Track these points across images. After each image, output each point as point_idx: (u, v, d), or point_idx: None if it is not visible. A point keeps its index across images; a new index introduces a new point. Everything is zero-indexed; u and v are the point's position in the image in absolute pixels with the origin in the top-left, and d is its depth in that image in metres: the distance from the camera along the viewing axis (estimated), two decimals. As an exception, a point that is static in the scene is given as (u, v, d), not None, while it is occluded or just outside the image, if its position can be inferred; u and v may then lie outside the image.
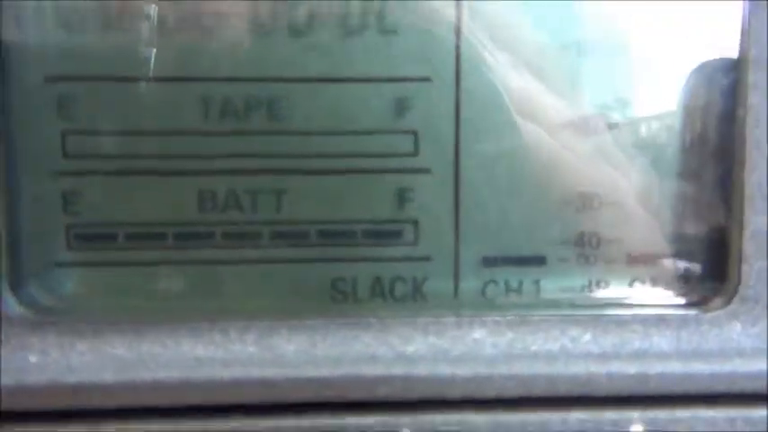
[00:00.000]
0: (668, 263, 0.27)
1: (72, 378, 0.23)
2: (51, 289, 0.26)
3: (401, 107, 0.26)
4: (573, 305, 0.26)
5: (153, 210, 0.25)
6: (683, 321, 0.25)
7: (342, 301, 0.26)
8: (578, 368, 0.24)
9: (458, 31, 0.25)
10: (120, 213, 0.25)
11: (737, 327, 0.25)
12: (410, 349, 0.24)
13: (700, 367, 0.24)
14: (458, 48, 0.25)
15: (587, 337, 0.25)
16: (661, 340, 0.25)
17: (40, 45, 0.24)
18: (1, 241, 0.24)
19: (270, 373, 0.23)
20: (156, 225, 0.26)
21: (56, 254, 0.25)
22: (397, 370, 0.24)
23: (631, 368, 0.24)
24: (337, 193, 0.26)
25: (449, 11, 0.25)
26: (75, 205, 0.25)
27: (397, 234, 0.26)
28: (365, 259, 0.26)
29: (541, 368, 0.24)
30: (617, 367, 0.24)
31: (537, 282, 0.27)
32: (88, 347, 0.24)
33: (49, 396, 0.22)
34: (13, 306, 0.24)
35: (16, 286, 0.25)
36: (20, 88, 0.24)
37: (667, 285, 0.27)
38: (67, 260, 0.26)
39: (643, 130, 0.26)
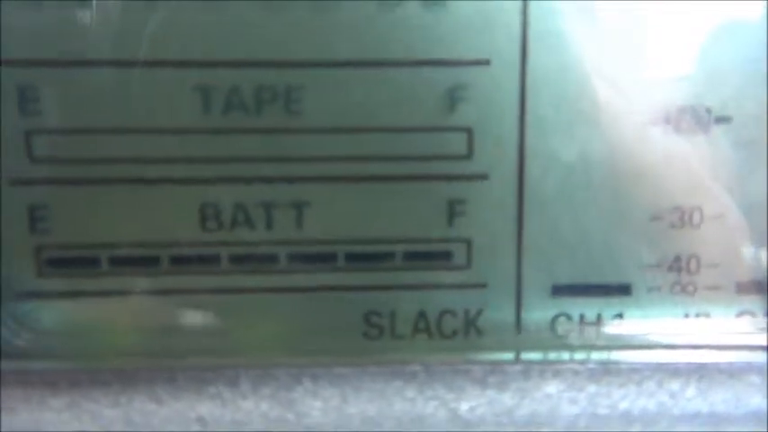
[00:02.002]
0: (786, 292, 0.22)
1: (43, 446, 0.18)
2: (18, 327, 0.21)
3: (452, 98, 0.21)
4: (666, 346, 0.21)
5: (143, 228, 0.22)
6: (811, 370, 0.20)
7: (377, 338, 0.22)
8: (684, 433, 0.19)
9: (524, 2, 0.21)
10: (102, 232, 0.22)
11: None
12: (466, 407, 0.20)
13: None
14: (524, 22, 0.21)
15: (691, 391, 0.20)
16: (786, 396, 0.20)
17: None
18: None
19: (291, 437, 0.19)
20: (147, 246, 0.22)
21: (22, 283, 0.22)
22: (451, 435, 0.19)
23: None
24: (371, 205, 0.22)
25: (513, -26, 0.21)
26: (46, 222, 0.21)
27: (445, 255, 0.22)
28: (406, 287, 0.22)
29: (634, 434, 0.19)
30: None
31: (620, 315, 0.23)
32: (64, 404, 0.20)
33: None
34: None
35: (-26, 324, 0.20)
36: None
37: (785, 321, 0.22)
38: (37, 290, 0.22)
39: (760, 128, 0.21)
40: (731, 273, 0.23)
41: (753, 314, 0.23)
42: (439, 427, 0.20)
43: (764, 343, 0.22)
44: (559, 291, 0.23)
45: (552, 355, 0.22)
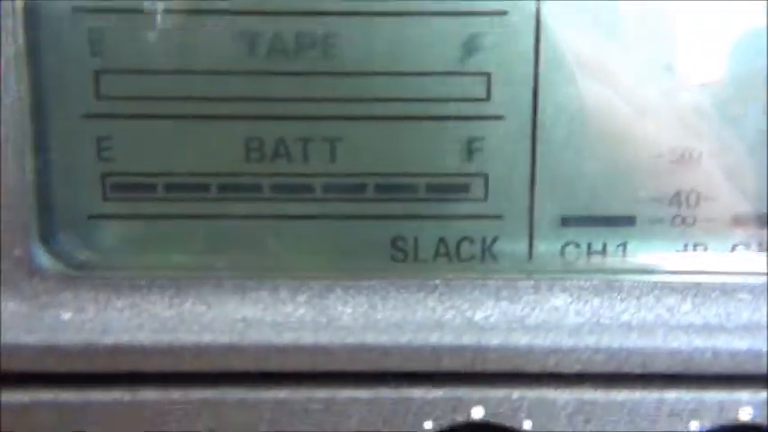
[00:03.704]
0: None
1: (108, 339, 0.21)
2: (86, 242, 0.24)
3: (472, 45, 0.23)
4: (666, 271, 0.23)
5: (194, 158, 0.24)
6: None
7: (402, 260, 0.24)
8: (680, 342, 0.21)
9: None
10: (158, 162, 0.24)
11: None
12: (480, 315, 0.22)
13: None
14: None
15: (687, 306, 0.21)
16: (774, 311, 0.21)
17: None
18: (30, 189, 0.21)
19: (324, 338, 0.21)
20: (198, 175, 0.24)
21: (90, 205, 0.24)
22: (467, 339, 0.21)
23: (742, 342, 0.20)
24: (398, 142, 0.24)
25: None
26: (110, 151, 0.23)
27: (464, 188, 0.24)
28: (428, 216, 0.24)
29: (635, 341, 0.21)
30: (724, 342, 0.21)
31: (624, 245, 0.24)
32: (126, 305, 0.22)
33: (83, 358, 0.21)
34: (44, 259, 0.22)
35: (47, 238, 0.23)
36: (47, 21, 0.22)
37: (776, 252, 0.24)
38: (103, 212, 0.24)
39: (756, 76, 0.23)
40: (728, 206, 0.24)
41: (747, 245, 0.24)
42: (456, 332, 0.22)
43: (756, 269, 0.23)
44: (568, 222, 0.24)
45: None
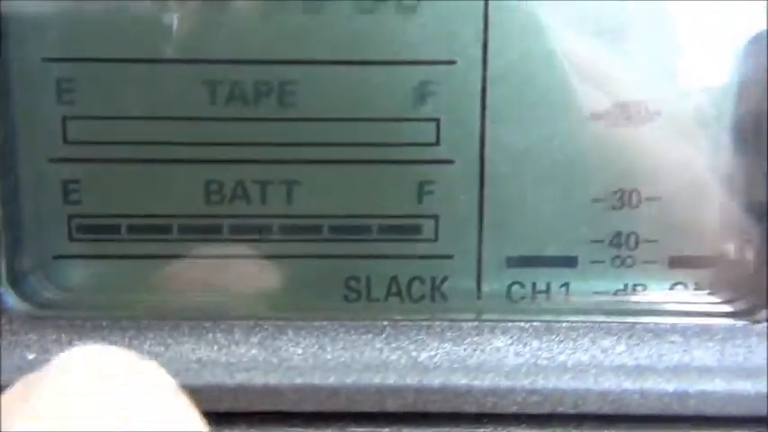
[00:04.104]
0: (714, 266, 0.25)
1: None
2: (52, 282, 0.25)
3: (422, 92, 0.24)
4: (606, 311, 0.24)
5: (157, 200, 0.25)
6: (728, 332, 0.23)
7: (355, 300, 0.25)
8: (610, 383, 0.22)
9: (485, 10, 0.24)
10: (122, 204, 0.25)
11: (790, 341, 0.22)
12: (425, 356, 0.23)
13: (746, 386, 0.22)
14: (485, 28, 0.24)
15: (621, 347, 0.23)
16: (703, 354, 0.23)
17: (38, 24, 0.23)
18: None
19: (274, 379, 0.22)
20: (160, 216, 0.25)
21: (57, 245, 0.25)
22: (410, 379, 0.22)
23: (669, 385, 0.22)
24: (352, 184, 0.25)
25: (475, -14, 0.23)
26: (76, 194, 0.24)
27: (415, 230, 0.25)
28: (381, 256, 0.25)
29: (568, 382, 0.22)
30: (653, 383, 0.22)
31: (567, 284, 0.25)
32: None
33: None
34: (13, 300, 0.23)
35: (16, 279, 0.24)
36: (18, 70, 0.23)
37: (712, 291, 0.25)
38: (69, 252, 0.25)
39: (689, 119, 0.24)
40: (666, 248, 0.25)
41: (685, 285, 0.25)
42: (399, 372, 0.23)
43: (692, 310, 0.24)
44: (514, 262, 0.25)
45: (507, 318, 0.25)
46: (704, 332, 0.23)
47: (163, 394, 0.15)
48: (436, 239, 0.25)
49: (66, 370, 0.15)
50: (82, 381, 0.14)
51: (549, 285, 0.25)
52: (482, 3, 0.24)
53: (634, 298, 0.25)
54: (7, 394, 0.15)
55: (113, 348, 0.15)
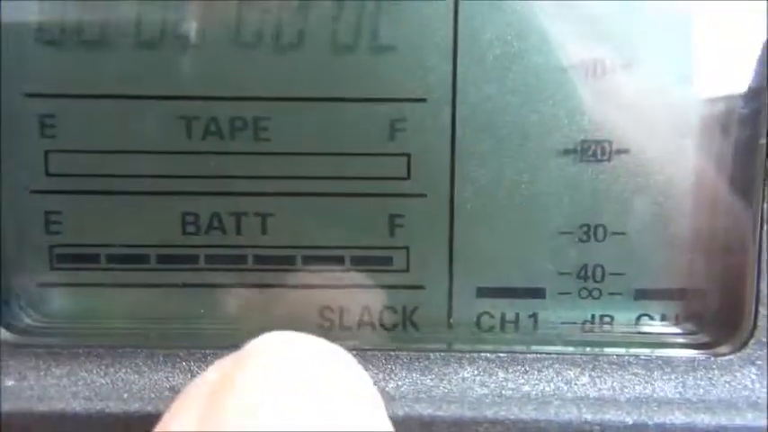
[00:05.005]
0: (679, 299, 0.25)
1: (43, 407, 0.22)
2: (34, 309, 0.25)
3: (394, 129, 0.25)
4: (571, 342, 0.25)
5: (135, 231, 0.25)
6: (689, 365, 0.23)
7: (328, 329, 0.26)
8: (571, 414, 0.22)
9: (455, 50, 0.24)
10: (102, 234, 0.25)
11: (751, 374, 0.23)
12: (392, 385, 0.23)
13: (706, 419, 0.22)
14: (454, 68, 0.24)
15: (584, 379, 0.23)
16: (665, 385, 0.23)
17: (21, 62, 0.24)
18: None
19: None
20: (139, 246, 0.25)
21: (39, 274, 0.25)
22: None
23: (629, 417, 0.22)
24: (325, 217, 0.25)
25: (445, 28, 0.24)
26: (58, 224, 0.25)
27: (387, 261, 0.25)
28: (353, 286, 0.25)
29: (531, 413, 0.22)
30: (613, 415, 0.22)
31: (535, 315, 0.26)
32: (64, 372, 0.24)
33: (20, 425, 0.22)
34: (-3, 328, 0.24)
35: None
36: (2, 105, 0.24)
37: (678, 324, 0.25)
38: (50, 280, 0.25)
39: (654, 157, 0.25)
40: (632, 280, 0.25)
41: (651, 317, 0.26)
42: None
43: (655, 341, 0.25)
44: (484, 292, 0.26)
45: (476, 348, 0.25)
46: (666, 364, 0.24)
47: (354, 384, 0.15)
48: (407, 270, 0.25)
49: (267, 353, 0.15)
50: (283, 364, 0.14)
51: (517, 316, 0.26)
52: (451, 43, 0.24)
53: (601, 329, 0.25)
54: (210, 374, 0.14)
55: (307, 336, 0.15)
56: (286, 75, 0.24)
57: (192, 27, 0.24)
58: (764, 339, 0.23)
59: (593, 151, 0.25)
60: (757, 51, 0.23)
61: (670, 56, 0.24)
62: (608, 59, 0.24)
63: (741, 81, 0.24)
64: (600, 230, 0.25)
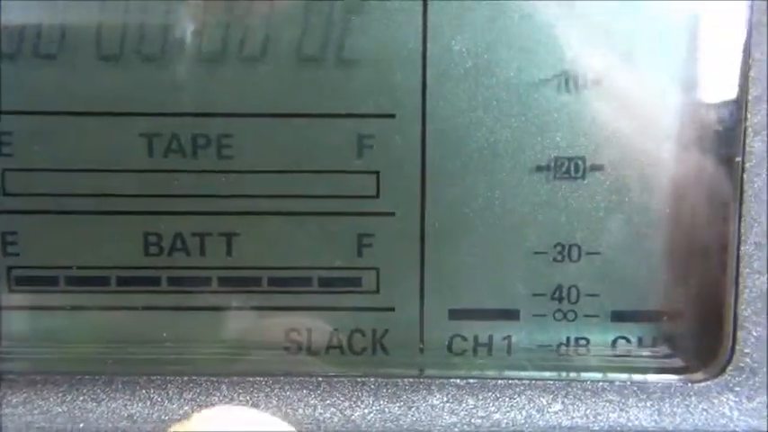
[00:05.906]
0: (655, 322, 0.25)
1: (-4, 436, 0.21)
2: None
3: (362, 145, 0.24)
4: (545, 367, 0.24)
5: (95, 252, 0.24)
6: (666, 391, 0.23)
7: (296, 352, 0.25)
8: (543, 443, 0.21)
9: (424, 65, 0.24)
10: (60, 255, 0.25)
11: (730, 401, 0.22)
12: (358, 413, 0.22)
13: (682, 448, 0.21)
14: (424, 82, 0.24)
15: (557, 406, 0.22)
16: (639, 413, 0.22)
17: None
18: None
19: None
20: (99, 268, 0.25)
21: None
22: (340, 438, 0.22)
23: (602, 446, 0.21)
24: (291, 236, 0.24)
25: (414, 41, 0.23)
26: (15, 246, 0.24)
27: (356, 282, 0.25)
28: (321, 308, 0.25)
29: (500, 442, 0.21)
30: (586, 443, 0.21)
31: (509, 338, 0.25)
32: (20, 401, 0.23)
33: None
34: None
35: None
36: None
37: (653, 347, 0.24)
38: (9, 303, 0.25)
39: (630, 174, 0.24)
40: (608, 302, 0.25)
41: (627, 340, 0.25)
42: (333, 429, 0.22)
43: (630, 364, 0.24)
44: (456, 314, 0.25)
45: (446, 373, 0.24)
46: (642, 391, 0.23)
47: None
48: (377, 291, 0.25)
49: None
50: None
51: (491, 338, 0.25)
52: (420, 57, 0.24)
53: (576, 352, 0.25)
54: None
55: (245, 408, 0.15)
56: (250, 90, 0.24)
57: (153, 41, 0.23)
58: (743, 365, 0.22)
59: (566, 168, 0.24)
60: (733, 68, 0.22)
61: (644, 71, 0.23)
62: (580, 74, 0.23)
63: (716, 98, 0.23)
64: (574, 250, 0.24)
